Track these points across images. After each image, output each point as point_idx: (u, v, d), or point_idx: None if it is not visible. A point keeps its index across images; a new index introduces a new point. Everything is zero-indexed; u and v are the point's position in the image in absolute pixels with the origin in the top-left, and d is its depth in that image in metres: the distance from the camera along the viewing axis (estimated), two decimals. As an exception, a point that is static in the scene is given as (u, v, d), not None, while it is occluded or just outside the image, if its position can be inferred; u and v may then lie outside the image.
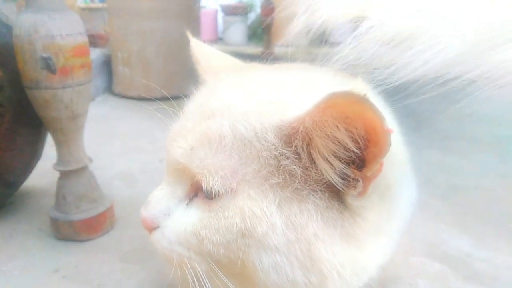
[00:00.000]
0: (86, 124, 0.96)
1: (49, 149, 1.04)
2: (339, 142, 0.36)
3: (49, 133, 0.96)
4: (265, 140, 0.38)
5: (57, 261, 0.89)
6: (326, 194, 0.39)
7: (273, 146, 0.38)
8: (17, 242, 0.96)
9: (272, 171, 0.39)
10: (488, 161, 1.41)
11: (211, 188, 0.39)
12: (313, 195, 0.39)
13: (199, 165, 0.40)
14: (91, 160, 0.97)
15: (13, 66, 0.86)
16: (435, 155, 1.41)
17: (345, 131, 0.35)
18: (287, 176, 0.38)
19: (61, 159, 0.93)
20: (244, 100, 0.42)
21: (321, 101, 0.33)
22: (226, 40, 4.07)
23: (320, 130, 0.35)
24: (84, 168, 0.95)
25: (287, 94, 0.42)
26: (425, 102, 0.44)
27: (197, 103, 0.46)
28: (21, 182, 1.10)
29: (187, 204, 0.43)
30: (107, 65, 2.41)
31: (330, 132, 0.35)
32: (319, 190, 0.39)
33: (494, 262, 0.88)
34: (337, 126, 0.34)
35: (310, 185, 0.39)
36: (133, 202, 1.13)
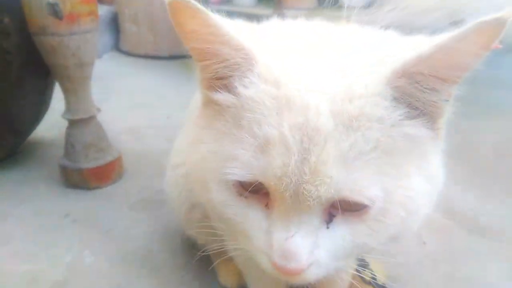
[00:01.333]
0: (93, 82, 0.95)
1: (58, 103, 1.05)
2: (468, 66, 0.35)
3: (57, 83, 0.96)
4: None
5: (67, 207, 0.91)
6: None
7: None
8: (27, 188, 0.99)
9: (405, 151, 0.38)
10: (501, 124, 1.39)
11: (375, 205, 0.37)
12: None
13: (353, 190, 0.36)
14: (99, 110, 0.98)
15: (20, 13, 0.85)
16: (449, 118, 1.39)
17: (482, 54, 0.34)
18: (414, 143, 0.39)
19: (69, 108, 0.93)
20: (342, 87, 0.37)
21: (469, 29, 0.32)
22: (235, 1, 3.98)
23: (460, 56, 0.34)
24: (92, 118, 0.95)
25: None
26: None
27: (293, 123, 0.37)
28: (31, 132, 1.12)
29: (327, 227, 0.39)
30: (114, 22, 2.37)
31: (464, 58, 0.34)
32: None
33: (499, 216, 0.89)
34: (477, 51, 0.33)
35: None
36: (141, 155, 1.15)
